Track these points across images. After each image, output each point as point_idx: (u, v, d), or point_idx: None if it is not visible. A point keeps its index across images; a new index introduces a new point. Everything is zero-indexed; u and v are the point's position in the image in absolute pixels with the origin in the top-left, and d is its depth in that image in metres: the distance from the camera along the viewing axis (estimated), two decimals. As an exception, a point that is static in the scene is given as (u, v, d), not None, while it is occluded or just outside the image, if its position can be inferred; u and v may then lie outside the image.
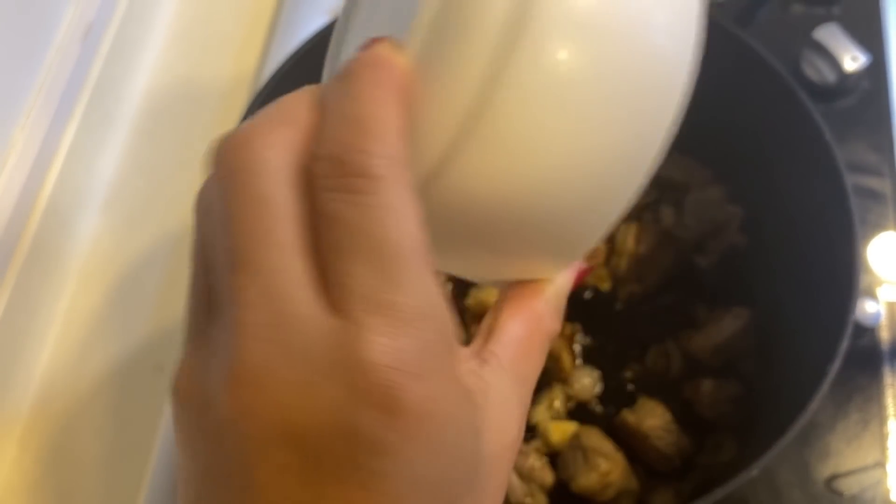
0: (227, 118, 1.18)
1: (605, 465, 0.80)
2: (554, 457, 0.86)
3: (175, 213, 1.11)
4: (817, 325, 0.75)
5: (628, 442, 0.85)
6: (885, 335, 0.95)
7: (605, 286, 0.96)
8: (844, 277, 0.72)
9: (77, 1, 1.08)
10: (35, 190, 1.01)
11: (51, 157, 1.04)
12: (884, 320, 0.96)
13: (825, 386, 0.69)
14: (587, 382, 0.91)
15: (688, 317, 0.93)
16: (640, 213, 0.98)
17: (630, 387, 0.92)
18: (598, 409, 0.91)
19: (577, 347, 0.93)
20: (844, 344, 0.70)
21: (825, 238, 0.78)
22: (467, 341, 0.89)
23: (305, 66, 0.83)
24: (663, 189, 0.98)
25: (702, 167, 0.96)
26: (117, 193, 1.12)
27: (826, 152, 0.77)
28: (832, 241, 0.76)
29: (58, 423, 0.98)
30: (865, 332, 0.95)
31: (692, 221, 0.94)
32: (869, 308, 0.94)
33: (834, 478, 0.89)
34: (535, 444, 0.88)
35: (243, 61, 1.22)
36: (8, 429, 0.97)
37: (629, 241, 0.94)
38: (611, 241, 0.96)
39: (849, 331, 0.70)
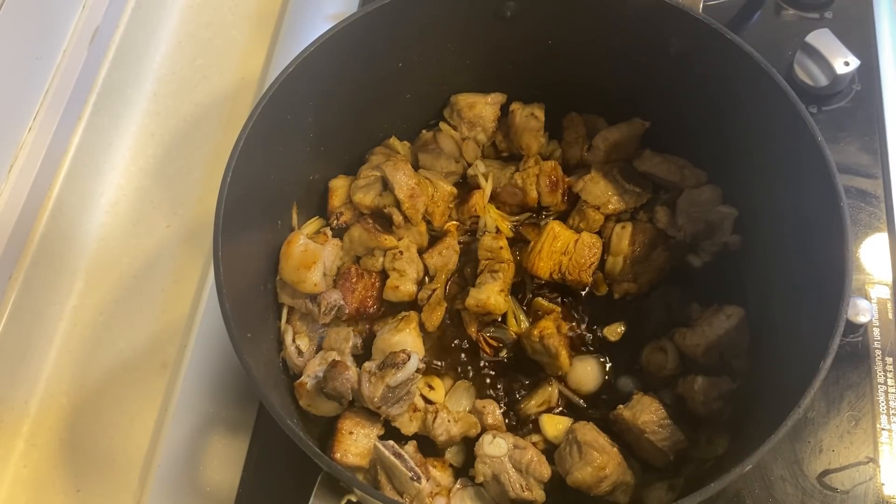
0: (233, 121, 1.20)
1: (600, 459, 0.81)
2: (551, 451, 0.87)
3: (181, 214, 1.13)
4: (810, 323, 0.76)
5: (624, 437, 0.87)
6: (876, 333, 0.97)
7: (602, 290, 0.98)
8: (836, 276, 0.73)
9: (85, 6, 1.10)
10: (43, 190, 1.03)
11: (59, 159, 1.05)
12: (876, 319, 0.98)
13: (818, 382, 0.70)
14: (586, 377, 0.92)
15: (682, 315, 0.94)
16: (635, 213, 1.00)
17: (626, 383, 0.93)
18: (595, 403, 0.92)
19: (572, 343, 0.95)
20: (836, 341, 0.70)
21: (817, 238, 0.79)
22: (465, 340, 0.88)
23: (308, 69, 0.85)
24: (658, 189, 1.00)
25: (695, 168, 0.98)
26: (124, 194, 1.14)
27: (818, 154, 0.78)
28: (824, 240, 0.77)
29: (65, 419, 1.00)
30: (858, 330, 0.97)
31: (685, 221, 0.95)
32: (861, 307, 0.96)
33: (826, 473, 0.91)
34: (533, 437, 0.89)
35: (248, 65, 1.24)
36: (16, 424, 0.99)
37: (623, 242, 0.96)
38: (605, 241, 0.98)
39: (841, 329, 0.71)
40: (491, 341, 0.95)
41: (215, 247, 0.76)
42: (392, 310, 0.97)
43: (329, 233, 0.97)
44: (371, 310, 0.96)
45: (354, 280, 0.95)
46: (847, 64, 1.07)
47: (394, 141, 1.04)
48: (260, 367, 0.80)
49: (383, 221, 0.97)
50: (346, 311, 0.93)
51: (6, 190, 0.96)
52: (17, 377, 0.99)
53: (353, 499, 0.73)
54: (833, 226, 0.76)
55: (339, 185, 0.99)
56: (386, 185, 0.96)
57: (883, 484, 0.89)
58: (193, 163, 1.16)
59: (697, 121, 0.94)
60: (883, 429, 0.92)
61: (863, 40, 1.13)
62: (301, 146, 0.92)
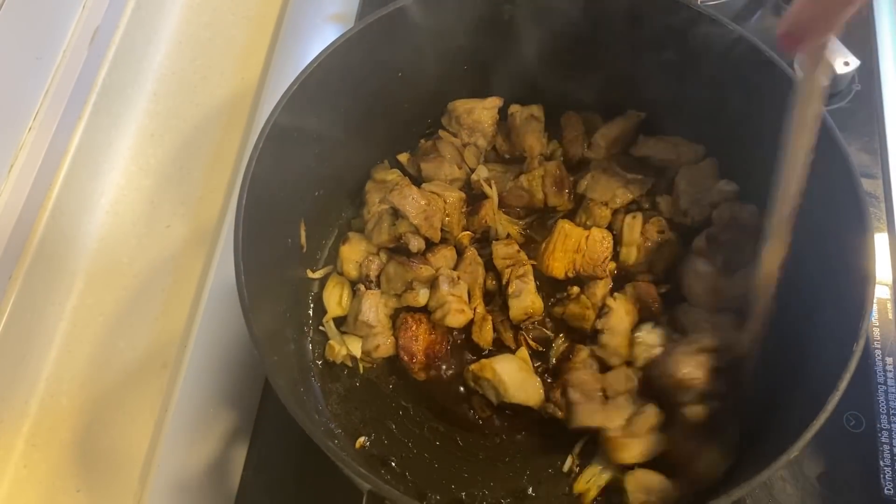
0: (233, 121, 1.20)
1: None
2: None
3: (181, 214, 1.13)
4: (830, 335, 0.75)
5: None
6: (876, 333, 0.97)
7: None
8: (858, 286, 0.72)
9: (85, 6, 1.10)
10: (43, 191, 1.03)
11: (59, 159, 1.05)
12: (876, 319, 0.98)
13: (832, 405, 0.68)
14: (651, 340, 0.91)
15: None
16: (642, 202, 1.00)
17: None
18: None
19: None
20: (856, 361, 0.69)
21: (838, 240, 0.78)
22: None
23: (314, 82, 0.84)
24: (659, 176, 1.00)
25: (692, 143, 0.98)
26: (124, 195, 1.13)
27: (839, 153, 0.77)
28: (845, 242, 0.76)
29: (65, 419, 1.00)
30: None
31: (689, 205, 0.95)
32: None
33: (826, 473, 0.91)
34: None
35: (248, 66, 1.24)
36: (16, 425, 0.99)
37: (635, 232, 0.96)
38: (617, 234, 0.98)
39: (861, 347, 0.69)
40: (532, 343, 0.95)
41: (236, 253, 0.75)
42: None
43: (362, 288, 0.96)
44: (441, 352, 0.94)
45: (414, 328, 0.93)
46: (847, 64, 1.08)
47: (400, 157, 1.04)
48: (286, 385, 0.78)
49: (409, 251, 0.96)
50: (416, 361, 0.92)
51: (6, 190, 0.96)
52: (17, 377, 0.98)
53: None
54: (854, 226, 0.74)
55: (347, 254, 0.98)
56: (396, 214, 0.95)
57: (883, 485, 0.89)
58: (193, 163, 1.16)
59: (705, 111, 0.93)
60: (883, 429, 0.92)
61: (863, 40, 1.13)
62: (306, 162, 0.91)
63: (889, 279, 1.00)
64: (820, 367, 0.75)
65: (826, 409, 0.68)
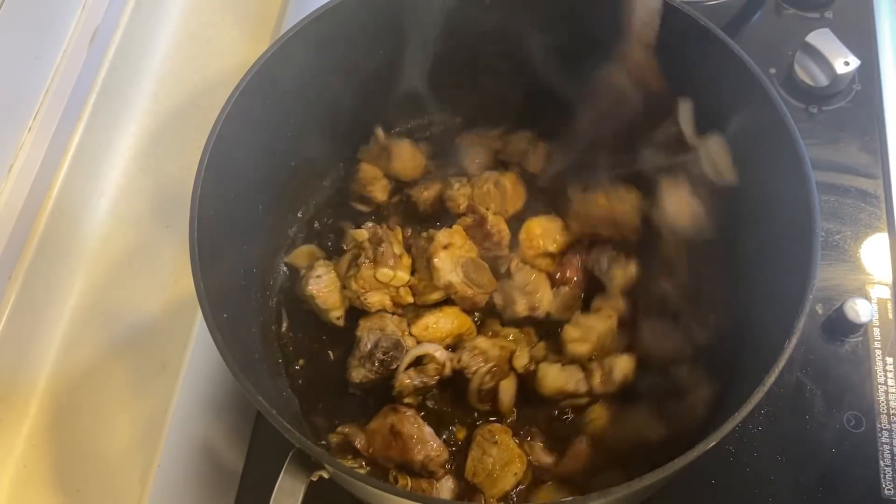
0: (232, 120, 1.20)
1: None
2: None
3: (181, 214, 1.12)
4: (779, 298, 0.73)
5: None
6: (876, 333, 0.97)
7: None
8: (803, 269, 0.70)
9: (85, 6, 1.10)
10: (43, 191, 1.02)
11: (59, 159, 1.05)
12: (876, 319, 0.98)
13: (783, 360, 0.66)
14: None
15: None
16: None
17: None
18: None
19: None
20: (801, 322, 0.67)
21: (788, 228, 0.75)
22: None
23: (285, 53, 0.85)
24: None
25: None
26: (124, 194, 1.13)
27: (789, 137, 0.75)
28: (794, 229, 0.73)
29: (65, 419, 1.00)
30: (858, 330, 0.97)
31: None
32: (861, 307, 0.96)
33: (827, 474, 0.90)
34: None
35: (248, 65, 1.23)
36: (16, 424, 0.99)
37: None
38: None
39: (805, 309, 0.67)
40: None
41: (192, 248, 0.78)
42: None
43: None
44: None
45: None
46: (847, 64, 1.08)
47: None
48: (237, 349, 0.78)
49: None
50: None
51: (6, 190, 0.96)
52: (17, 377, 0.98)
53: (325, 475, 0.71)
54: (801, 206, 0.72)
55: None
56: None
57: (883, 485, 0.89)
58: (193, 162, 1.15)
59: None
60: (883, 429, 0.92)
61: (863, 40, 1.13)
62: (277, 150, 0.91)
63: (889, 279, 1.00)
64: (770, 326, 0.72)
65: (777, 364, 0.66)
